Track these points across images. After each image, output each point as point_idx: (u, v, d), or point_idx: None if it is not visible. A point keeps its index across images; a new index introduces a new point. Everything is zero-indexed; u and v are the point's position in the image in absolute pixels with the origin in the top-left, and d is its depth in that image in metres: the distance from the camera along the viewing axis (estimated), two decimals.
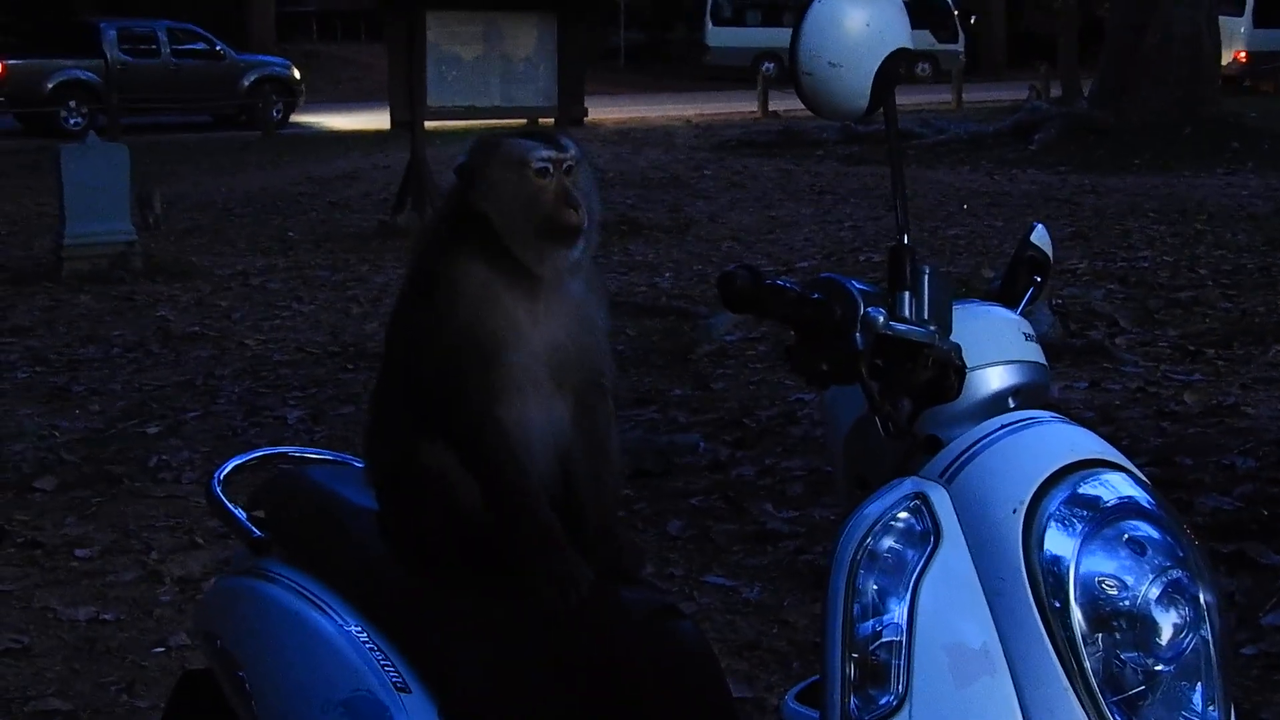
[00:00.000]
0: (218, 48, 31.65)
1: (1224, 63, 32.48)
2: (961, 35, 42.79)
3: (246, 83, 31.17)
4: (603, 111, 27.02)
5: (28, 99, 28.57)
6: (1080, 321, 9.54)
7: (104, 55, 29.68)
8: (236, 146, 25.23)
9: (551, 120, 15.50)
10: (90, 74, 29.51)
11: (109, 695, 4.85)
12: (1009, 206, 15.74)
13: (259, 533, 2.99)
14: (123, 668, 5.04)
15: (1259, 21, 35.33)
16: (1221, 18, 32.15)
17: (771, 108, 29.85)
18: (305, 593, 2.79)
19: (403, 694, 2.57)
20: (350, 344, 9.91)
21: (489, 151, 2.71)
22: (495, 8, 15.59)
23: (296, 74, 32.23)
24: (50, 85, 29.24)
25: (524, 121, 14.80)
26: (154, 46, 30.91)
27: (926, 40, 39.16)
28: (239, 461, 3.28)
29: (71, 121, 28.46)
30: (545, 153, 2.66)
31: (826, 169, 20.13)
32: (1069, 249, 12.27)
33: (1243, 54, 34.91)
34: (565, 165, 2.67)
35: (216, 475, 3.16)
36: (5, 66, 29.29)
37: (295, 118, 31.25)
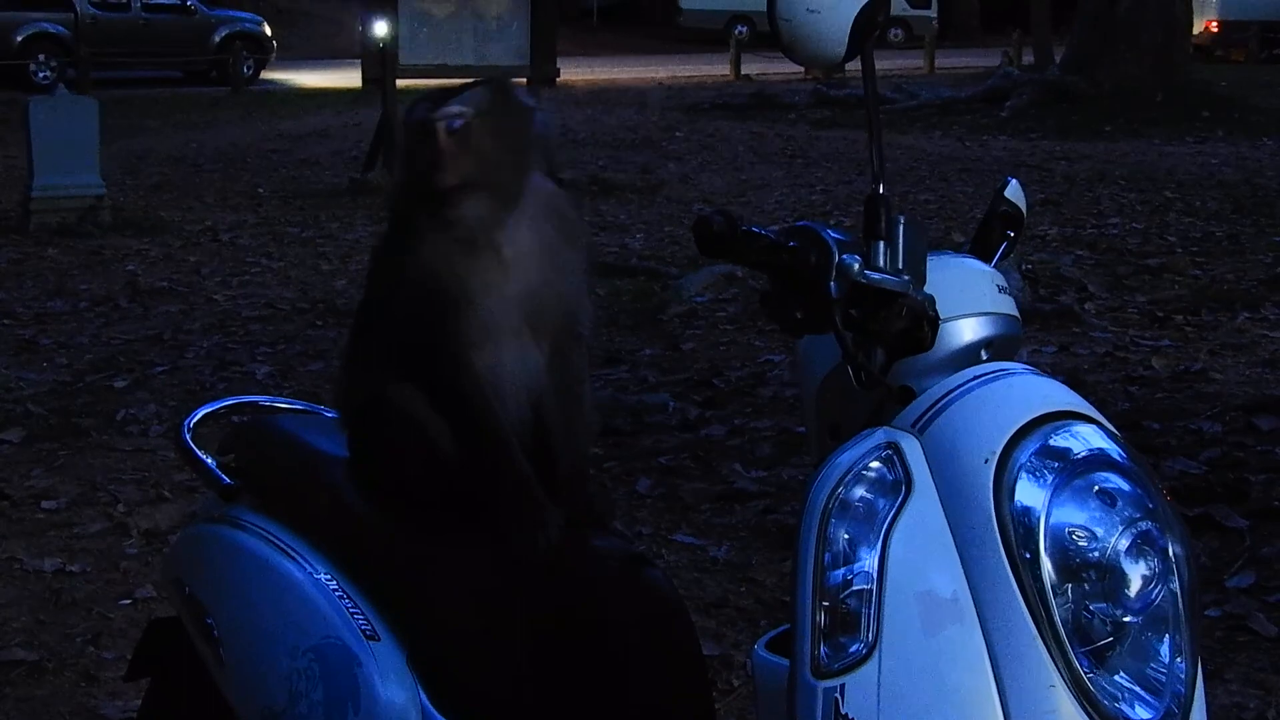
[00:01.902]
0: (189, 3, 31.41)
1: (1195, 31, 32.70)
2: (934, 1, 42.76)
3: (217, 38, 30.98)
4: (575, 72, 26.93)
5: None
6: (1050, 286, 9.56)
7: (74, 9, 29.45)
8: (206, 102, 25.11)
9: (524, 80, 15.47)
10: (60, 27, 29.27)
11: (75, 646, 4.84)
12: (980, 172, 15.76)
13: (228, 480, 2.98)
14: (89, 619, 5.03)
15: None
16: None
17: (744, 71, 29.79)
18: (274, 540, 2.78)
19: (372, 641, 2.57)
20: (319, 300, 9.88)
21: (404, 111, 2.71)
22: None
23: (268, 30, 32.04)
24: (19, 38, 28.98)
25: None
26: (124, 1, 30.68)
27: (900, 6, 39.15)
28: (209, 409, 3.26)
29: (41, 75, 28.27)
30: (420, 114, 2.62)
31: (798, 132, 20.12)
32: (1040, 215, 12.30)
33: (1214, 23, 34.97)
34: (447, 123, 2.62)
35: (186, 423, 3.15)
36: None
37: (266, 74, 31.08)
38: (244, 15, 32.63)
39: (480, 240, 2.65)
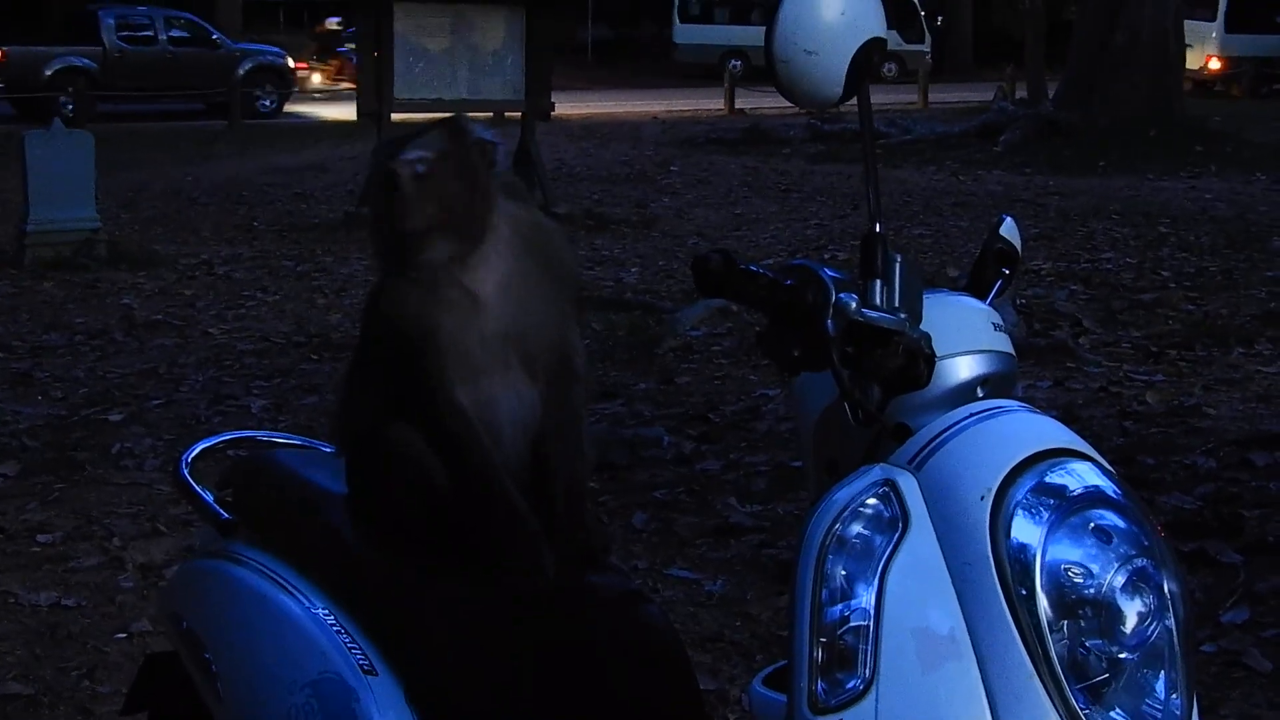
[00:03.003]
0: (214, 36, 31.87)
1: (1196, 67, 32.99)
2: (928, 36, 42.92)
3: (242, 71, 31.31)
4: (570, 107, 26.97)
5: (26, 85, 28.48)
6: (1044, 321, 9.58)
7: (102, 43, 29.82)
8: (204, 136, 25.13)
9: (519, 114, 15.50)
10: (88, 61, 29.64)
11: (70, 680, 4.83)
12: (974, 207, 15.79)
13: (226, 515, 2.99)
14: (84, 653, 5.03)
15: (1230, 26, 35.53)
16: (1194, 22, 32.63)
17: (738, 105, 29.87)
18: (272, 575, 2.79)
19: (369, 676, 2.58)
20: (315, 334, 9.89)
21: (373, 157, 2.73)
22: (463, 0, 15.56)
23: (291, 63, 32.31)
24: (49, 72, 29.32)
25: (490, 115, 14.79)
26: (151, 34, 31.07)
27: (893, 40, 39.23)
28: (207, 444, 3.28)
29: (69, 108, 28.54)
30: (389, 161, 2.63)
31: (793, 167, 20.15)
32: (1034, 250, 12.31)
33: (1215, 58, 35.13)
34: (414, 168, 2.63)
35: (184, 457, 3.16)
36: (4, 53, 29.47)
37: (289, 107, 31.43)
38: (267, 48, 32.97)
39: (448, 278, 2.67)
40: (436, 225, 2.63)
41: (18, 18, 32.39)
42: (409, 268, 2.66)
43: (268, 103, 31.07)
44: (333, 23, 37.94)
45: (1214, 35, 35.24)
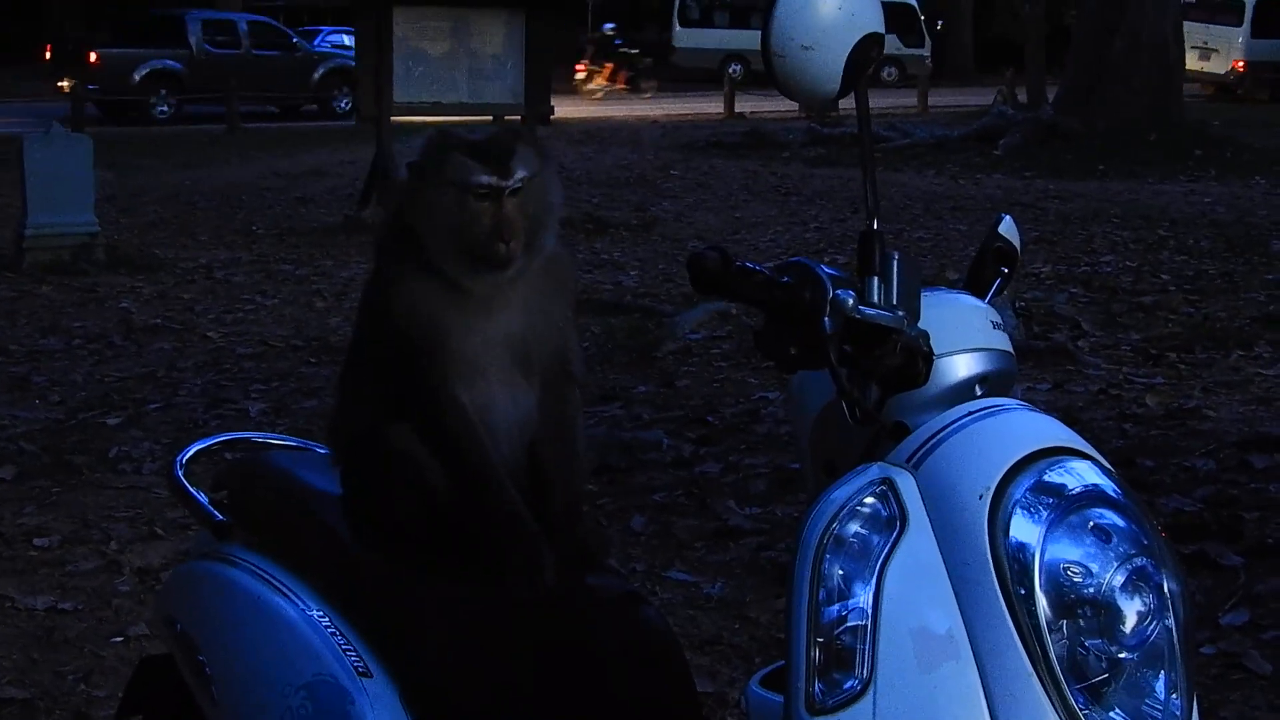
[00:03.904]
0: (293, 40, 32.69)
1: (1222, 72, 33.10)
2: (928, 40, 42.94)
3: (318, 75, 32.03)
4: (569, 110, 26.98)
5: (118, 88, 28.98)
6: (1044, 324, 9.56)
7: (189, 46, 30.77)
8: (203, 140, 25.13)
9: (518, 118, 15.49)
10: (176, 63, 30.53)
11: (66, 684, 4.82)
12: (974, 211, 15.77)
13: (221, 517, 2.98)
14: (81, 657, 5.02)
15: (1257, 31, 35.45)
16: (1220, 27, 32.62)
17: (738, 109, 29.87)
18: (267, 577, 2.78)
19: (364, 678, 2.57)
20: (314, 338, 9.87)
21: (435, 162, 2.68)
22: (464, 4, 15.54)
23: None
24: (138, 76, 30.14)
25: (490, 119, 14.77)
26: (235, 37, 31.84)
27: (893, 45, 39.26)
28: (202, 446, 3.26)
29: (160, 110, 29.63)
30: (486, 179, 2.63)
31: (792, 170, 20.14)
32: (1033, 253, 12.30)
33: (1241, 63, 35.08)
34: (508, 190, 2.64)
35: (179, 459, 3.15)
36: (98, 56, 30.11)
37: None
38: (344, 52, 33.34)
39: (472, 286, 2.66)
40: (512, 257, 2.63)
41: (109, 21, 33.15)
42: (461, 275, 2.65)
43: (344, 104, 31.71)
44: (607, 29, 38.59)
45: (1240, 40, 35.18)
